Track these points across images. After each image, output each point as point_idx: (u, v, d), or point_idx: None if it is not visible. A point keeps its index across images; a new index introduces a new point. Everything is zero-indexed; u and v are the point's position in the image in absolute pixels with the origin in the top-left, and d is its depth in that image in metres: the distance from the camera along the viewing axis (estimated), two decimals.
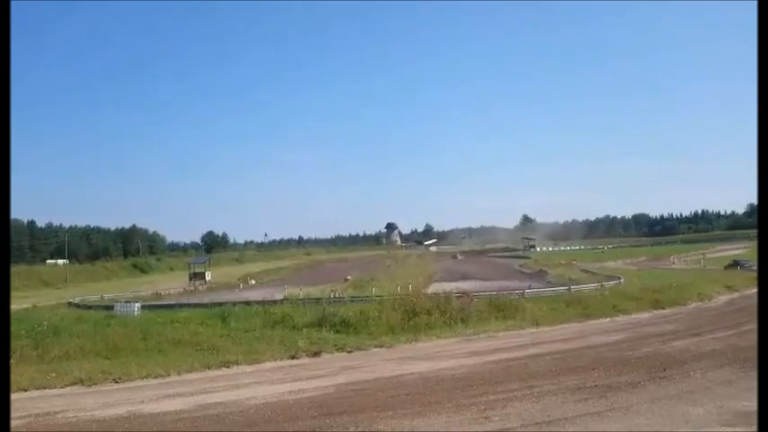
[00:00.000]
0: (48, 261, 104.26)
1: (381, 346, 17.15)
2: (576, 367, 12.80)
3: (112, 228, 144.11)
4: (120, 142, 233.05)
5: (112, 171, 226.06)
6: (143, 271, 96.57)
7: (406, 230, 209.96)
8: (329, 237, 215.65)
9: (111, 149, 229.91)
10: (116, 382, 13.54)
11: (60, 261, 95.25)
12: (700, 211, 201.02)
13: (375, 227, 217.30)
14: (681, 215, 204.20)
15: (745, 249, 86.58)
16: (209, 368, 14.35)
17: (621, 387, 10.67)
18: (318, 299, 27.41)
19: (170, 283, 55.80)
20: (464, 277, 48.87)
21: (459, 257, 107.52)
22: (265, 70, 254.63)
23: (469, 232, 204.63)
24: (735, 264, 57.44)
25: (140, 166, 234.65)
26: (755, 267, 27.88)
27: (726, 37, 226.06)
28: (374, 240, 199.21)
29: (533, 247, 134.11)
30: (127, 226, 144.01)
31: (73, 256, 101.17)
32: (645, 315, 23.90)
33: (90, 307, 33.65)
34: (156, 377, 13.66)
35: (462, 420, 8.88)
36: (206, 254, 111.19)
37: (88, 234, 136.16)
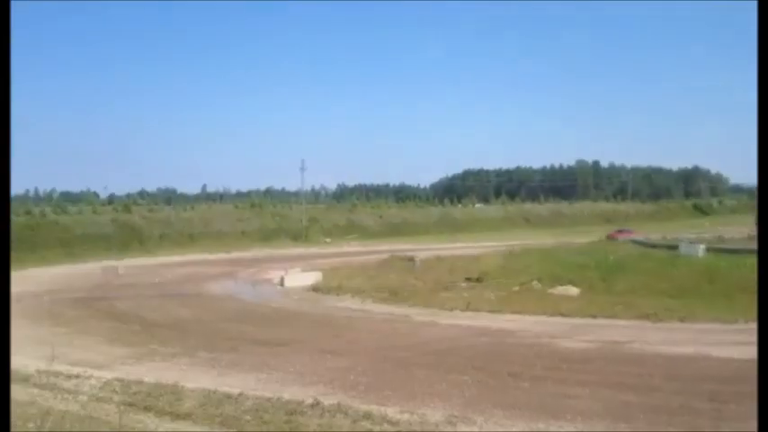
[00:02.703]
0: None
1: None
2: None
3: (674, 168, 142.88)
4: None
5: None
6: (704, 213, 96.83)
7: None
8: None
9: None
10: (681, 322, 14.96)
11: None
12: None
13: None
14: None
15: None
16: None
17: None
18: None
19: (733, 227, 50.24)
20: None
21: None
22: None
23: None
24: None
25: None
26: None
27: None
28: None
29: None
30: (689, 167, 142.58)
31: (635, 196, 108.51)
32: None
33: (653, 245, 34.67)
34: (723, 322, 13.76)
35: None
36: None
37: (650, 175, 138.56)
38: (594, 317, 17.09)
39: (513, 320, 17.42)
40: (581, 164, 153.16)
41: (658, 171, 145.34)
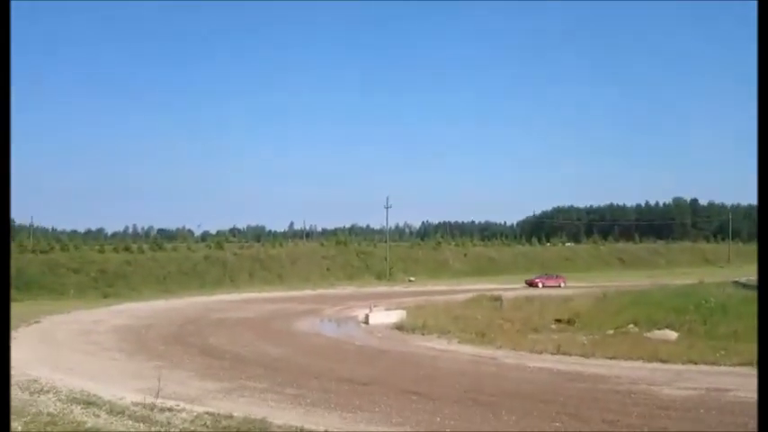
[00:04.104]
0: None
1: None
2: None
3: None
4: None
5: None
6: None
7: None
8: None
9: None
10: None
11: None
12: None
13: None
14: None
15: None
16: None
17: None
18: None
19: None
20: None
21: None
22: None
23: None
24: None
25: None
26: None
27: None
28: None
29: None
30: None
31: (736, 236, 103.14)
32: None
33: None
34: None
35: None
36: None
37: (751, 213, 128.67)
38: (695, 363, 16.30)
39: (606, 365, 16.80)
40: (678, 201, 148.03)
41: None
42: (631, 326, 23.47)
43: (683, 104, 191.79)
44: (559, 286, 52.92)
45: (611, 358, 17.59)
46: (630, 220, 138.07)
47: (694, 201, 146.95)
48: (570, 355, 18.34)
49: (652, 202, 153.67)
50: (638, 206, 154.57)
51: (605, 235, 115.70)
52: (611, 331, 22.91)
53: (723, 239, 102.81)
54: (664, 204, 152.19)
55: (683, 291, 32.25)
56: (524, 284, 53.96)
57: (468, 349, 20.45)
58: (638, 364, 16.82)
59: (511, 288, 49.07)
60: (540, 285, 52.53)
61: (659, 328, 22.15)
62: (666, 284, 39.95)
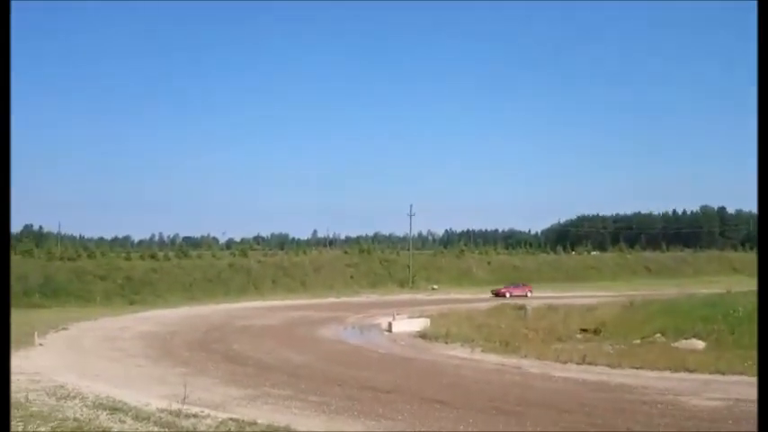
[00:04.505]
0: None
1: None
2: None
3: None
4: None
5: None
6: None
7: None
8: None
9: None
10: None
11: None
12: None
13: None
14: None
15: None
16: None
17: None
18: None
19: None
20: None
21: None
22: None
23: None
24: None
25: None
26: None
27: None
28: None
29: None
30: None
31: None
32: None
33: None
34: None
35: None
36: None
37: None
38: (722, 373, 16.02)
39: (633, 375, 16.58)
40: (705, 209, 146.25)
41: None
42: (658, 335, 23.15)
43: (710, 111, 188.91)
44: (526, 295, 53.09)
45: (637, 368, 17.37)
46: (657, 229, 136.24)
47: (722, 209, 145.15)
48: (596, 364, 18.13)
49: (679, 211, 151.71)
50: (665, 214, 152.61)
51: (632, 243, 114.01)
52: (637, 341, 22.63)
53: (751, 248, 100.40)
54: (691, 212, 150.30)
55: (710, 300, 31.71)
56: (491, 294, 54.30)
57: (492, 358, 20.31)
58: (665, 374, 16.58)
59: (536, 297, 48.67)
60: (508, 295, 52.48)
61: (686, 338, 21.83)
62: (694, 293, 39.33)
